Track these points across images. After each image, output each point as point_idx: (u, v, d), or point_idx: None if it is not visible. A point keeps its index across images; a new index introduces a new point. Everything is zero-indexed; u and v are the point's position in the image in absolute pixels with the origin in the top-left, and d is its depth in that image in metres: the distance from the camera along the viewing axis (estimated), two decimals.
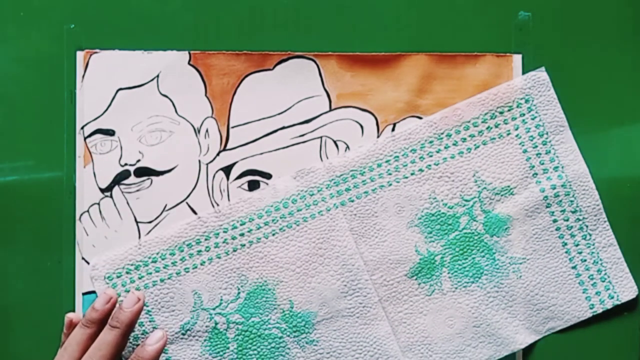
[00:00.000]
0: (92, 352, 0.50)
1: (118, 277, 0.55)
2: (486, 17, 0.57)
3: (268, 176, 0.56)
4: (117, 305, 0.51)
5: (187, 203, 0.56)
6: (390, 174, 0.56)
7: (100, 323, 0.51)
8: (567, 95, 0.57)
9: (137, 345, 0.54)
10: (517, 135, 0.57)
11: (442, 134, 0.56)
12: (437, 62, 0.57)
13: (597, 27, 0.57)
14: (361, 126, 0.57)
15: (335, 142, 0.56)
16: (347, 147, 0.56)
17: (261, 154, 0.56)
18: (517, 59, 0.57)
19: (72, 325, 0.52)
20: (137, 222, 0.56)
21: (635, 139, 0.57)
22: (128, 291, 0.55)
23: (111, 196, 0.56)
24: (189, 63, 0.56)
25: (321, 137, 0.56)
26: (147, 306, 0.55)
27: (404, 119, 0.57)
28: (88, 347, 0.50)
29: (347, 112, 0.57)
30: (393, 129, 0.56)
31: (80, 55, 0.56)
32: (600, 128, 0.57)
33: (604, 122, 0.57)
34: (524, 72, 0.57)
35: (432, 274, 0.56)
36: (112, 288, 0.55)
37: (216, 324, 0.55)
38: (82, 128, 0.56)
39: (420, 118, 0.57)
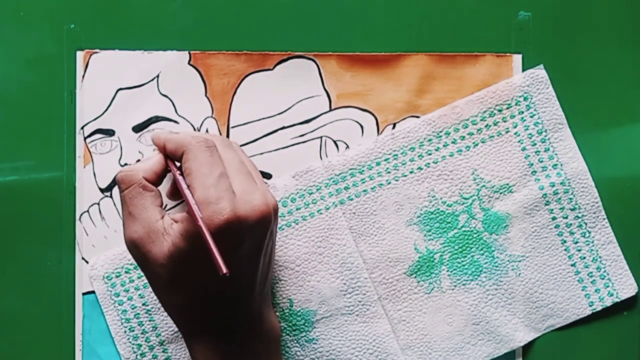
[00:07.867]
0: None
1: (117, 276, 0.55)
2: (486, 17, 0.57)
3: (268, 176, 0.56)
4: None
5: None
6: (389, 173, 0.56)
7: None
8: (567, 95, 0.56)
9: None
10: (515, 133, 0.56)
11: (440, 132, 0.56)
12: (437, 62, 0.57)
13: (598, 27, 0.57)
14: (361, 126, 0.57)
15: (335, 142, 0.57)
16: (347, 147, 0.56)
17: (261, 154, 0.56)
18: (517, 59, 0.57)
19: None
20: None
21: (635, 139, 0.57)
22: (127, 290, 0.55)
23: (111, 196, 0.56)
24: (189, 63, 0.56)
25: (321, 137, 0.56)
26: (147, 305, 0.55)
27: (404, 119, 0.57)
28: None
29: (347, 112, 0.57)
30: (393, 129, 0.56)
31: (80, 55, 0.56)
32: (601, 128, 0.57)
33: (604, 122, 0.57)
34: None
35: (432, 272, 0.56)
36: (112, 287, 0.55)
37: None
38: (82, 128, 0.56)
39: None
